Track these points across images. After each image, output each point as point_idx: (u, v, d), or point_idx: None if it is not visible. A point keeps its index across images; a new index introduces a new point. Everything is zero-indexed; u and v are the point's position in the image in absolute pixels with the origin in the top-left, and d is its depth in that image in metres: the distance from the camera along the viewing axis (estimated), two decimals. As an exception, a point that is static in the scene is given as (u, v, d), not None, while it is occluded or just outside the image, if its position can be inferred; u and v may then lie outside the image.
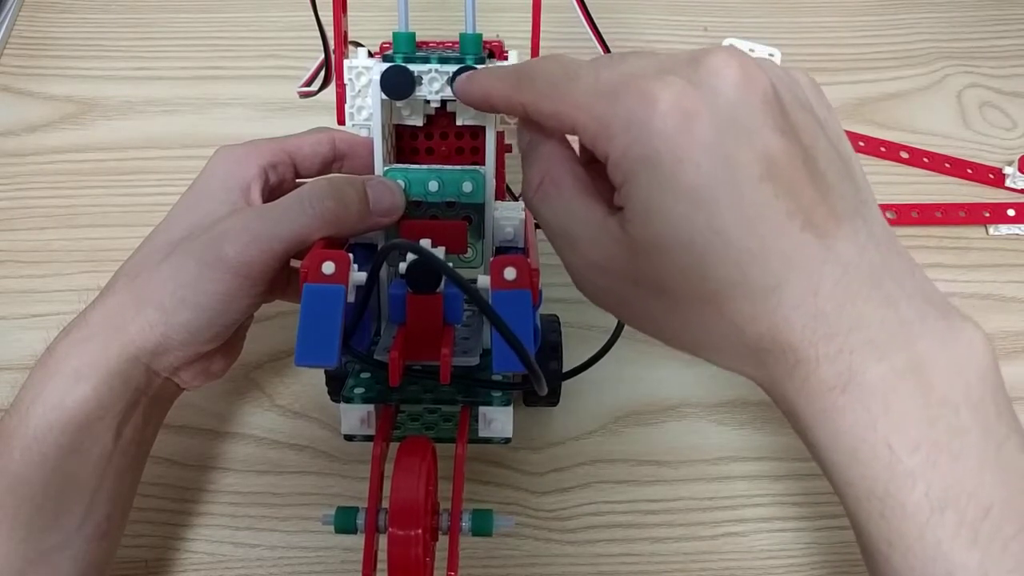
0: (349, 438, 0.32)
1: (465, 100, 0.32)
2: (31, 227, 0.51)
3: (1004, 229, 0.52)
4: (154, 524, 0.41)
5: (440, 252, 0.33)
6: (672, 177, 0.25)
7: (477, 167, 0.35)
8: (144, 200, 0.52)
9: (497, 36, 0.39)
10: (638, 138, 0.25)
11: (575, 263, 0.29)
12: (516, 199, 0.46)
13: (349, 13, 0.35)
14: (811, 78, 0.29)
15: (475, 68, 0.33)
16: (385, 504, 0.29)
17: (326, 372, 0.41)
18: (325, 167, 0.39)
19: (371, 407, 0.32)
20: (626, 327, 0.43)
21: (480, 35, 0.35)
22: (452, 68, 0.34)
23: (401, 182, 0.35)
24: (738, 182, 0.25)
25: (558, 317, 0.43)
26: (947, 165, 0.55)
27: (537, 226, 0.44)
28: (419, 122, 0.37)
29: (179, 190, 0.36)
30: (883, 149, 0.55)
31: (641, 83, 0.26)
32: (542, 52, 0.35)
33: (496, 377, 0.33)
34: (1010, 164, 0.54)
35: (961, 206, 0.53)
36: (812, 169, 0.25)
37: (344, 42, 0.35)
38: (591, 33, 0.42)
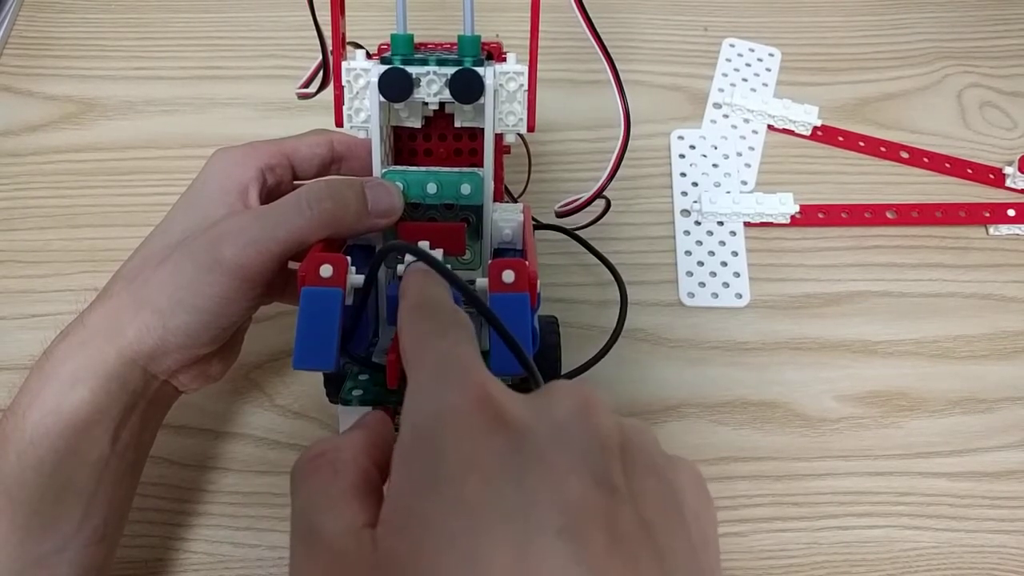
0: (347, 440, 0.32)
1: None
2: (31, 227, 0.51)
3: (1004, 229, 0.52)
4: (154, 524, 0.41)
5: (438, 254, 0.33)
6: (452, 483, 0.19)
7: (475, 169, 0.35)
8: (144, 200, 0.52)
9: (496, 36, 0.39)
10: (431, 414, 0.21)
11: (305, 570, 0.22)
12: (515, 200, 0.47)
13: (347, 13, 0.35)
14: (700, 476, 0.23)
15: (474, 71, 0.33)
16: None
17: (324, 373, 0.41)
18: (323, 169, 0.39)
19: (368, 409, 0.32)
20: (627, 328, 0.43)
21: (479, 37, 0.34)
22: (450, 70, 0.34)
23: (399, 184, 0.35)
24: (529, 526, 0.19)
25: (556, 318, 0.43)
26: (947, 165, 0.55)
27: (536, 226, 0.44)
28: (417, 124, 0.37)
29: (179, 190, 0.36)
30: (883, 149, 0.55)
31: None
32: (541, 51, 0.35)
33: None
34: (1010, 164, 0.54)
35: (961, 206, 0.53)
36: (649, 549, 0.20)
37: (342, 43, 0.35)
38: (589, 33, 0.41)
